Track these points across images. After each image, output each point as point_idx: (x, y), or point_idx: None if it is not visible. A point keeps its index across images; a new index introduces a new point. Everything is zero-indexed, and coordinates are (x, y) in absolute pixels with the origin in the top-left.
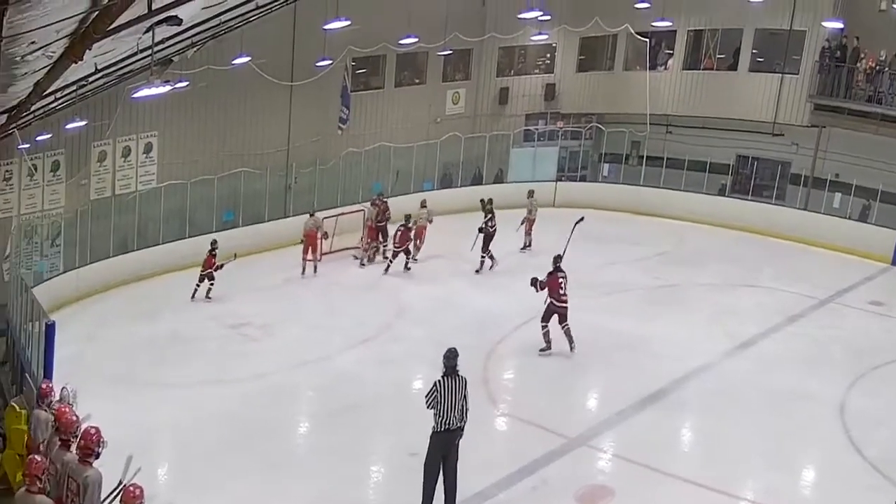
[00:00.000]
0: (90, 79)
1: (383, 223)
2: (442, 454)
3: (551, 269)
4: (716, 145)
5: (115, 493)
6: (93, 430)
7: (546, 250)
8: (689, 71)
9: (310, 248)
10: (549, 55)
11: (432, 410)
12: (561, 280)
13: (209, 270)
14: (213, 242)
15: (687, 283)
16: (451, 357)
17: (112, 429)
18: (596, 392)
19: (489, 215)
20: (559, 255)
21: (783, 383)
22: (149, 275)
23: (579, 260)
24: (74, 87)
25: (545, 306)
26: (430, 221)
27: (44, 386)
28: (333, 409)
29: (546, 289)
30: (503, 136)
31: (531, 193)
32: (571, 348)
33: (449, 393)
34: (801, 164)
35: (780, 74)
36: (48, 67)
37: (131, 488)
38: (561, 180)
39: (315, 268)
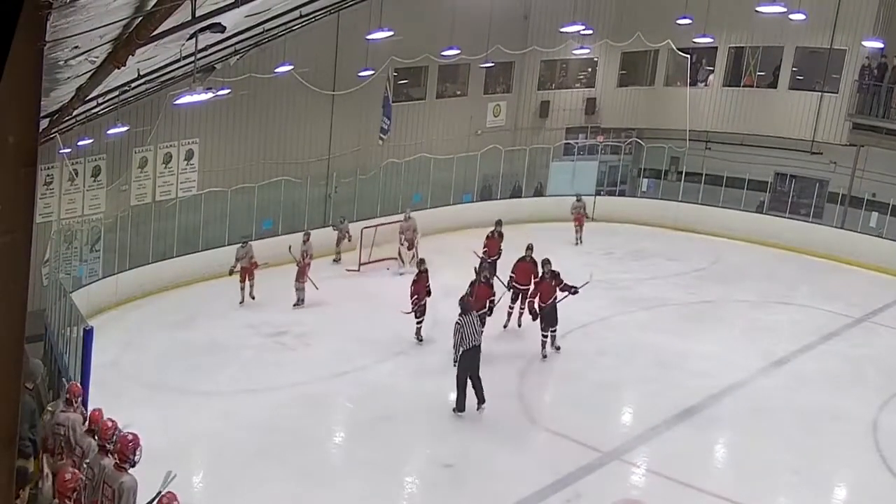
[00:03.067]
0: (132, 84)
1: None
2: (470, 366)
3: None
4: (754, 162)
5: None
6: (129, 437)
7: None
8: (729, 87)
9: (246, 276)
10: (590, 69)
11: (458, 338)
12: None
13: (416, 299)
14: (421, 262)
15: (723, 299)
16: (464, 303)
17: (148, 435)
18: (630, 407)
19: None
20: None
21: (816, 401)
22: (188, 282)
23: (620, 274)
24: (117, 93)
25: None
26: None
27: (74, 387)
28: (368, 420)
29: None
30: (543, 149)
31: (579, 196)
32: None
33: (467, 324)
34: (838, 183)
35: (820, 93)
36: (91, 72)
37: (166, 496)
38: (600, 195)
39: (252, 294)
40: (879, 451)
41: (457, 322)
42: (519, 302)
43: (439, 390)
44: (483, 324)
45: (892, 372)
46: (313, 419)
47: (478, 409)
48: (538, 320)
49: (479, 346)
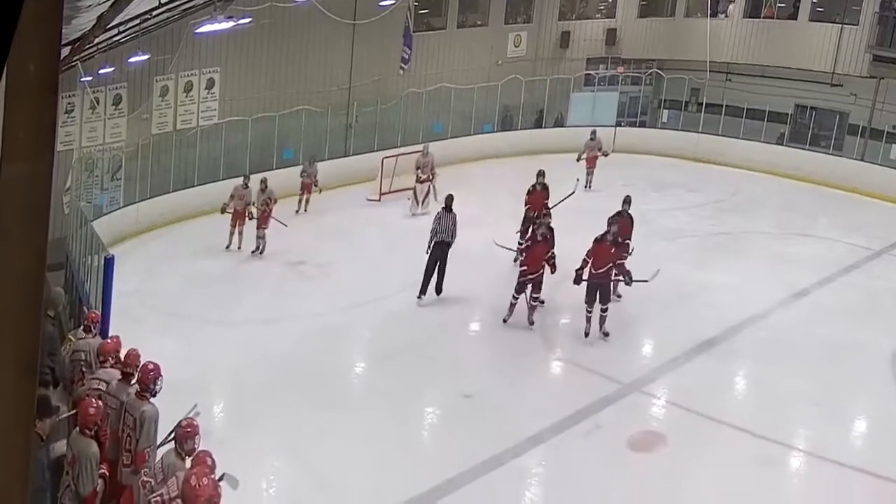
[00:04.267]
0: (154, 13)
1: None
2: (438, 258)
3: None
4: (774, 94)
5: (172, 433)
6: (150, 367)
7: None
8: (749, 19)
9: (237, 221)
10: (610, 0)
11: (434, 227)
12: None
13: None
14: (545, 214)
15: (743, 231)
16: (449, 199)
17: (169, 364)
18: (650, 338)
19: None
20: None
21: (836, 333)
22: (208, 211)
23: (638, 206)
24: (138, 21)
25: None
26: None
27: (93, 314)
28: (388, 350)
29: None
30: (564, 79)
31: (594, 134)
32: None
33: (445, 220)
34: (858, 115)
35: (840, 25)
36: (112, 0)
37: (185, 424)
38: (620, 125)
39: (240, 244)
40: None
41: (437, 214)
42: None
43: (458, 320)
44: (538, 287)
45: None
46: (334, 349)
47: (437, 293)
48: (585, 291)
49: (450, 243)
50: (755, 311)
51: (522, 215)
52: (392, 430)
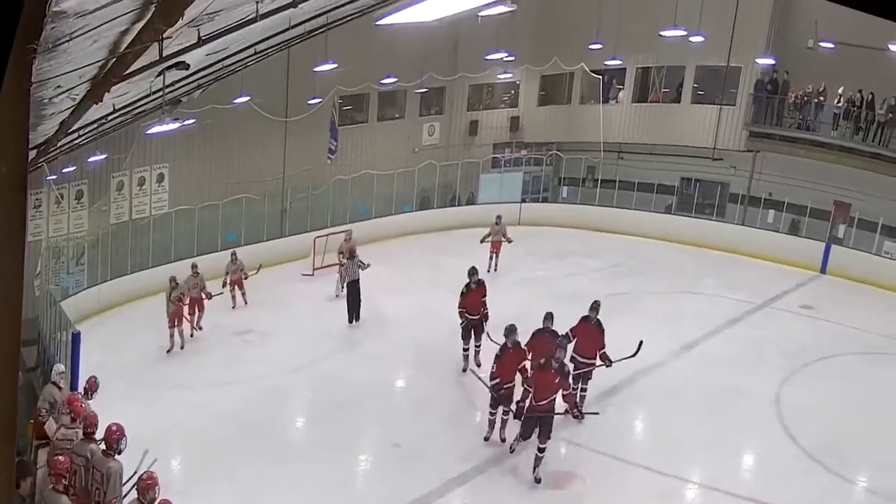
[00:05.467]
0: (109, 117)
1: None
2: (353, 294)
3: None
4: (662, 169)
5: (131, 480)
6: (115, 428)
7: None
8: (637, 104)
9: (175, 320)
10: (513, 91)
11: (342, 272)
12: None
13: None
14: (511, 329)
15: (638, 291)
16: (351, 251)
17: (132, 427)
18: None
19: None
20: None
21: (724, 380)
22: (162, 290)
23: (544, 272)
24: (95, 125)
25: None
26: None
27: (91, 381)
28: (325, 407)
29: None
30: (474, 163)
31: (499, 219)
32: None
33: (350, 266)
34: (738, 185)
35: (719, 106)
36: (72, 108)
37: (146, 476)
38: (525, 201)
39: (191, 333)
40: (782, 422)
41: (344, 265)
42: (581, 382)
43: (387, 378)
44: (508, 401)
45: (791, 351)
46: (278, 407)
47: (356, 320)
48: (521, 424)
49: (357, 280)
50: (651, 362)
51: (462, 322)
52: (331, 478)
